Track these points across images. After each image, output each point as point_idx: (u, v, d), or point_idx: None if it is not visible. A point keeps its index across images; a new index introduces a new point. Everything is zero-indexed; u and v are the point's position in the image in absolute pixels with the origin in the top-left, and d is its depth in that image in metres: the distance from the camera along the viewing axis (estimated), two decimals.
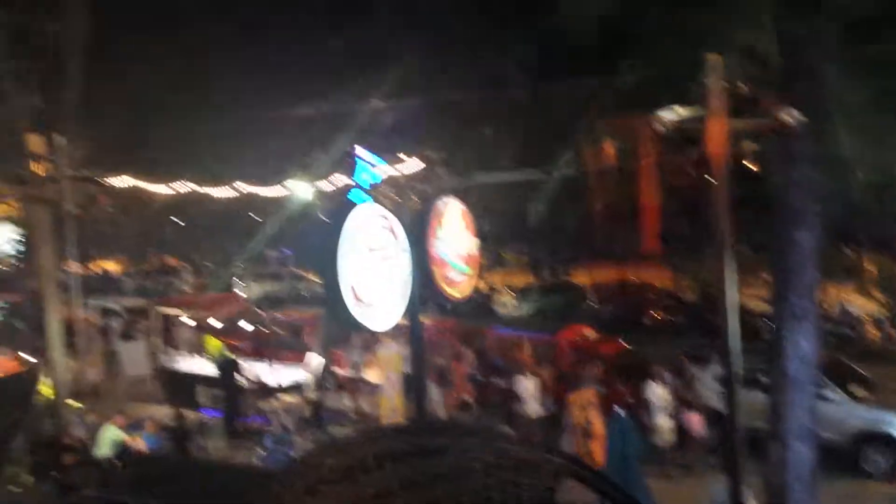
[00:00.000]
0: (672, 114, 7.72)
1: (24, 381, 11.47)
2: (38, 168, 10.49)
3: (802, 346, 8.87)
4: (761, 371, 10.80)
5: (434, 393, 14.75)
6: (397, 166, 11.56)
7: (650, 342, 18.46)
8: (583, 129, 10.87)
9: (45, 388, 12.37)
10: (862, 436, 12.51)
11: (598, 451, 12.86)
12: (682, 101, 7.86)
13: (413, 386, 12.00)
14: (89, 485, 10.28)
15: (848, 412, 12.74)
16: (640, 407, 13.80)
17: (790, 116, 7.22)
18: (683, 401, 13.37)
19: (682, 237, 28.46)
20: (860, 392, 13.35)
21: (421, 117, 13.72)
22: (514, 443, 1.38)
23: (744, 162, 10.87)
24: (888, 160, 8.55)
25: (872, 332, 19.96)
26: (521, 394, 14.36)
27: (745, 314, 9.98)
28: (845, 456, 12.34)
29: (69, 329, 13.85)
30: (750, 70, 8.50)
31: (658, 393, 13.25)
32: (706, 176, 8.28)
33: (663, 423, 13.09)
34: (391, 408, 13.16)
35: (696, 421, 13.37)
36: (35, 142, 10.67)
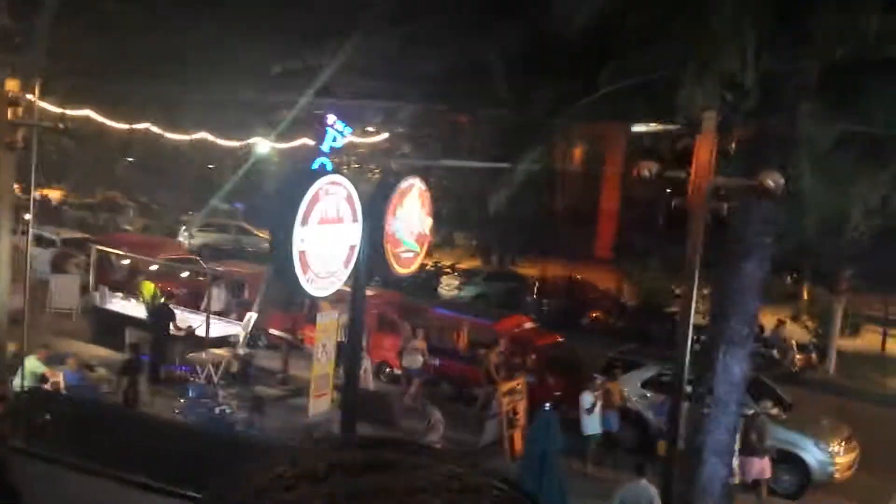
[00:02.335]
0: (644, 128, 7.79)
1: None
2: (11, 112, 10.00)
3: (734, 371, 9.10)
4: (691, 383, 11.03)
5: (367, 363, 14.74)
6: (365, 138, 11.41)
7: (587, 341, 18.74)
8: (556, 128, 10.88)
9: None
10: (774, 455, 12.95)
11: (518, 441, 13.08)
12: (658, 117, 7.92)
13: (346, 355, 11.99)
14: (16, 436, 10.03)
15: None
16: (570, 402, 14.05)
17: (773, 180, 7.32)
18: (608, 401, 13.61)
19: (632, 244, 29.00)
20: (778, 413, 13.80)
21: (397, 93, 13.55)
22: (463, 465, 1.36)
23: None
24: (842, 200, 8.76)
25: (798, 357, 20.64)
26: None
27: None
28: None
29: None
30: (726, 98, 8.59)
31: (588, 390, 13.45)
32: (664, 186, 8.34)
33: (590, 420, 13.28)
34: (322, 374, 13.10)
35: (617, 421, 13.67)
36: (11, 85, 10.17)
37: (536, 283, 26.55)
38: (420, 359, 15.02)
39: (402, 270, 12.98)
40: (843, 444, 13.42)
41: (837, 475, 12.99)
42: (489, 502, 1.53)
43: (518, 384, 14.22)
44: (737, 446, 11.59)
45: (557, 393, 14.77)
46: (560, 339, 17.08)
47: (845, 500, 12.68)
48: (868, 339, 22.45)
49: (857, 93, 8.34)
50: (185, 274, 19.94)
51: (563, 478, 11.48)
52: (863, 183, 8.78)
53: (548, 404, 12.76)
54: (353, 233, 10.34)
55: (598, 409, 13.19)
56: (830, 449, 13.11)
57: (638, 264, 26.04)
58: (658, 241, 26.01)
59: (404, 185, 11.90)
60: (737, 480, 11.64)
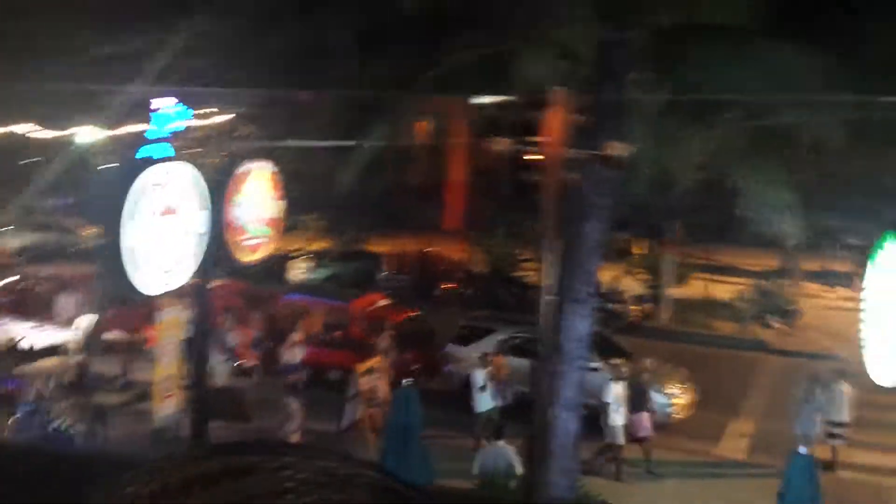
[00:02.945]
0: (484, 100, 7.89)
1: None
2: None
3: (579, 328, 9.51)
4: (536, 341, 11.47)
5: (216, 360, 14.16)
6: (205, 121, 10.87)
7: (441, 312, 18.99)
8: (401, 104, 10.83)
9: None
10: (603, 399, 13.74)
11: (378, 418, 13.08)
12: (502, 90, 8.06)
13: (193, 352, 11.47)
14: None
15: (605, 381, 13.92)
16: (429, 375, 14.23)
17: (620, 150, 7.57)
18: (498, 376, 13.76)
19: (480, 214, 29.68)
20: (615, 361, 14.61)
21: (238, 72, 12.95)
22: (334, 459, 1.29)
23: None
24: (668, 160, 9.32)
25: (634, 309, 21.99)
26: (300, 361, 14.07)
27: (526, 287, 10.58)
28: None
29: None
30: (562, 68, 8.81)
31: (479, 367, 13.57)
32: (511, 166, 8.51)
33: (483, 397, 13.35)
34: (166, 375, 12.43)
35: (510, 394, 13.88)
36: None
37: (388, 260, 26.57)
38: (299, 353, 14.63)
39: (248, 257, 12.51)
40: (680, 386, 14.48)
41: (677, 415, 13.98)
42: (361, 492, 1.47)
43: (376, 362, 14.20)
44: (622, 408, 12.24)
45: (416, 367, 14.89)
46: (415, 313, 17.19)
47: (685, 438, 13.67)
48: (695, 287, 24.27)
49: (683, 59, 8.83)
50: (4, 281, 18.26)
51: (425, 450, 11.62)
52: (690, 144, 9.33)
53: (406, 379, 12.87)
54: (197, 222, 9.82)
55: (489, 385, 13.32)
56: (669, 392, 14.09)
57: (486, 233, 26.70)
58: (504, 210, 26.77)
59: (241, 169, 11.50)
60: (622, 441, 12.28)
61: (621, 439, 12.39)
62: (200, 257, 10.05)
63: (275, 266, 24.88)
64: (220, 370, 14.02)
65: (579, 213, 9.36)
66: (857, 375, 12.83)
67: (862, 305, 9.62)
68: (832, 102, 9.06)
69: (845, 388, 12.75)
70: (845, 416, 12.80)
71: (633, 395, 12.67)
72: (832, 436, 12.76)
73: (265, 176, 12.28)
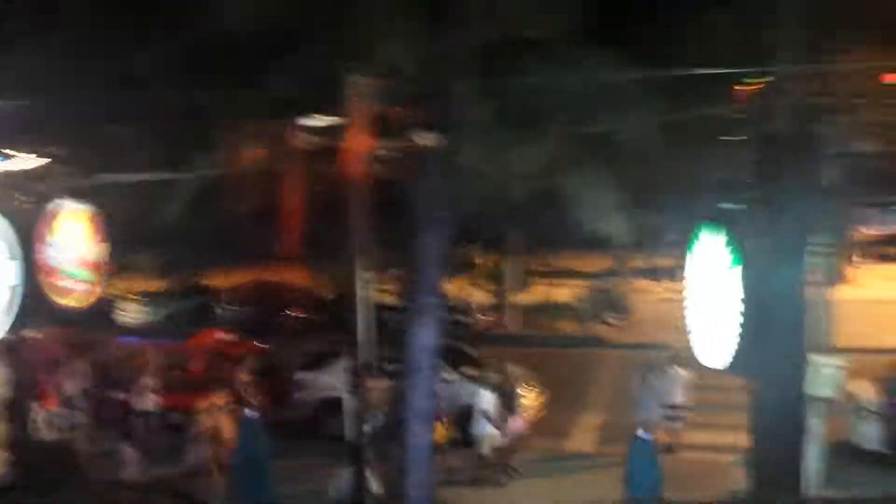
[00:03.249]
0: (312, 121, 7.80)
1: None
2: None
3: (425, 338, 9.54)
4: (388, 360, 11.40)
5: (40, 415, 13.03)
6: (10, 163, 10.16)
7: (289, 341, 18.51)
8: (225, 131, 10.49)
9: None
10: (468, 409, 13.82)
11: (226, 456, 12.56)
12: (326, 110, 8.00)
13: (14, 410, 10.57)
14: None
15: (458, 390, 14.16)
16: (278, 405, 13.80)
17: (428, 139, 7.62)
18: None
19: (319, 238, 29.14)
20: (470, 371, 14.97)
21: (47, 112, 12.09)
22: (128, 487, 1.13)
23: (382, 172, 11.20)
24: (501, 171, 9.57)
25: (482, 318, 22.48)
26: (142, 406, 13.35)
27: (378, 308, 10.52)
28: (458, 428, 13.52)
29: None
30: (391, 85, 8.88)
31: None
32: (346, 185, 8.48)
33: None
34: None
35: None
36: None
37: (227, 294, 25.62)
38: (151, 399, 13.71)
39: (69, 302, 11.89)
40: (529, 387, 14.88)
41: (529, 416, 14.33)
42: None
43: (217, 399, 13.58)
44: (493, 415, 12.29)
45: (263, 398, 14.37)
46: (259, 345, 16.65)
47: (539, 437, 14.04)
48: (537, 292, 25.16)
49: (508, 71, 9.11)
50: None
51: (274, 481, 11.24)
52: (520, 154, 9.63)
53: (249, 411, 12.42)
54: (9, 273, 9.22)
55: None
56: (520, 394, 14.41)
57: (327, 257, 26.31)
58: (343, 231, 26.40)
59: (52, 208, 10.84)
60: (491, 447, 12.40)
61: (490, 446, 12.56)
62: (15, 311, 9.45)
63: (106, 310, 23.37)
64: (48, 424, 12.97)
65: (417, 225, 9.44)
66: (689, 360, 13.88)
67: (685, 295, 10.24)
68: (646, 106, 9.71)
69: (681, 373, 13.58)
70: (682, 399, 13.63)
71: (503, 400, 12.88)
72: (671, 419, 13.54)
73: (83, 217, 11.62)
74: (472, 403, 13.30)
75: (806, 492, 8.91)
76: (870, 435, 12.62)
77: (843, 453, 12.49)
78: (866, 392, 12.79)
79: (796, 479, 8.61)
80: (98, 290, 12.26)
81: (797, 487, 8.49)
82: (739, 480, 10.24)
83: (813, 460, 9.46)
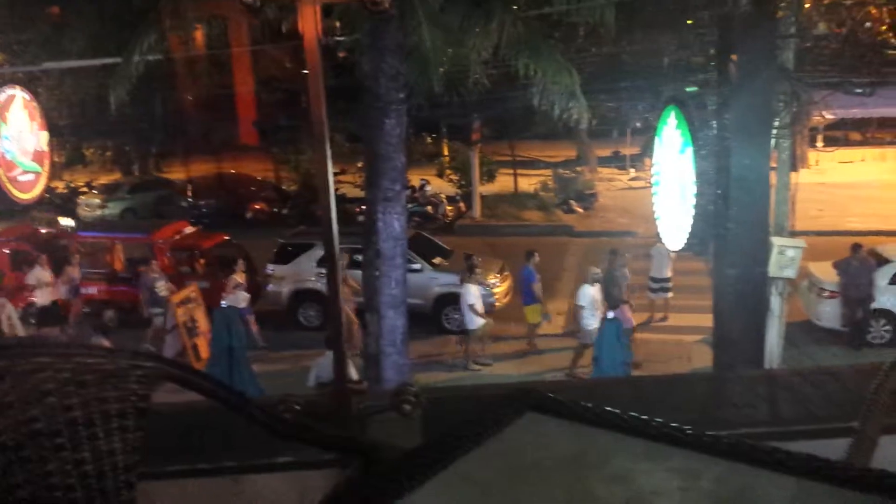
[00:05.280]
0: None
1: None
2: None
3: (393, 226, 9.51)
4: (358, 251, 11.42)
5: (10, 309, 12.89)
6: None
7: (255, 234, 18.40)
8: (168, 9, 9.89)
9: None
10: (442, 298, 14.42)
11: (203, 347, 12.69)
12: None
13: None
14: None
15: (430, 279, 14.48)
16: (253, 296, 13.88)
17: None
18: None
19: (280, 127, 28.44)
20: (439, 261, 15.15)
21: None
22: (95, 354, 1.11)
23: (337, 53, 10.82)
24: (457, 51, 9.31)
25: (448, 209, 22.50)
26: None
27: (343, 200, 10.40)
28: (430, 317, 14.31)
29: None
30: None
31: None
32: (301, 64, 8.10)
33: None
34: None
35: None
36: None
37: (189, 186, 25.15)
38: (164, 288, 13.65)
39: (23, 196, 11.54)
40: (497, 276, 15.09)
41: (497, 303, 14.62)
42: (135, 383, 1.33)
43: (191, 292, 13.61)
44: (479, 305, 12.53)
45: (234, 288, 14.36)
46: (226, 238, 16.49)
47: (508, 323, 14.35)
48: (502, 182, 25.14)
49: None
50: None
51: (252, 370, 11.44)
52: (474, 35, 9.35)
53: (223, 302, 12.49)
54: None
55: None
56: (488, 282, 14.64)
57: (289, 147, 25.86)
58: (305, 121, 25.87)
59: (3, 96, 10.39)
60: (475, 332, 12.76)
61: (477, 335, 12.96)
62: None
63: (62, 204, 22.85)
64: (17, 320, 12.84)
65: (377, 109, 9.25)
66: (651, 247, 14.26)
67: (653, 181, 10.28)
68: None
69: (667, 250, 13.92)
70: (668, 272, 14.39)
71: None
72: (660, 290, 14.46)
73: (22, 104, 11.13)
74: (445, 292, 13.71)
75: (770, 367, 9.30)
76: (827, 314, 13.14)
77: (802, 331, 13.10)
78: (824, 273, 13.20)
79: (760, 355, 8.95)
80: (44, 181, 11.95)
81: (760, 363, 8.84)
82: (705, 359, 10.67)
83: (774, 337, 9.83)
